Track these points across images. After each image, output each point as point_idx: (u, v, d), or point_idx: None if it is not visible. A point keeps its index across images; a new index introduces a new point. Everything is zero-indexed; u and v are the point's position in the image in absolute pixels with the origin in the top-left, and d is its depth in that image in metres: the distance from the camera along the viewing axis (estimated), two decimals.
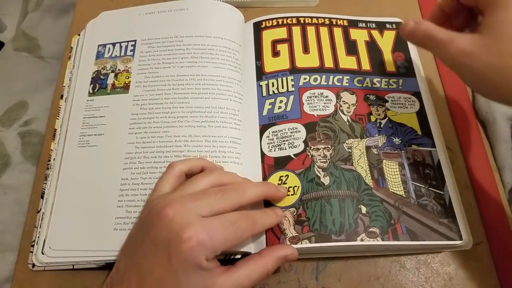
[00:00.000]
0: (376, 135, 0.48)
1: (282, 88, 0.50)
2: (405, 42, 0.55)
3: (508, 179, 0.48)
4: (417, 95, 0.51)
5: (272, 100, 0.50)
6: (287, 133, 0.47)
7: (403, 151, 0.46)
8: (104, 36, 0.55)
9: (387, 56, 0.54)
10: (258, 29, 0.55)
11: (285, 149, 0.46)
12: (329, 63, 0.52)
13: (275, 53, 0.53)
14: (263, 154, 0.47)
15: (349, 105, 0.49)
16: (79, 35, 0.56)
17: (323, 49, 0.54)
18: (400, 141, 0.47)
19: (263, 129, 0.48)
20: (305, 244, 0.40)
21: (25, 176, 0.50)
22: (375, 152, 0.46)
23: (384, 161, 0.46)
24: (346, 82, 0.51)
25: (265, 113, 0.49)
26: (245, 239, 0.37)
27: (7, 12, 0.68)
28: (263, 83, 0.51)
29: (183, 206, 0.35)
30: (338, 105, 0.49)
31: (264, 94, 0.51)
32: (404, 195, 0.44)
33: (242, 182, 0.41)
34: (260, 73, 0.52)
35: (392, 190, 0.44)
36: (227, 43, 0.52)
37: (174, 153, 0.46)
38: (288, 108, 0.49)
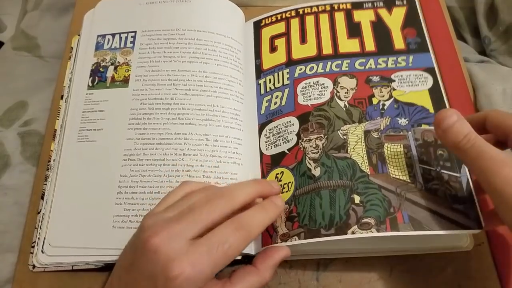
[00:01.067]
0: (378, 117, 0.44)
1: (278, 82, 0.49)
2: (417, 17, 0.51)
3: None
4: (431, 70, 0.47)
5: (269, 97, 0.49)
6: (281, 128, 0.46)
7: (410, 132, 0.43)
8: (104, 26, 0.54)
9: (396, 33, 0.50)
10: (258, 27, 0.55)
11: (280, 145, 0.45)
12: (327, 49, 0.50)
13: (273, 49, 0.52)
14: (261, 153, 0.46)
15: (347, 90, 0.47)
16: (79, 35, 0.56)
17: (322, 36, 0.51)
18: (407, 122, 0.43)
19: (261, 127, 0.47)
20: (295, 241, 0.39)
21: (25, 176, 0.50)
22: (375, 136, 0.43)
23: (386, 144, 0.42)
24: (346, 67, 0.48)
25: (263, 111, 0.48)
26: (240, 252, 0.34)
27: (7, 12, 0.68)
28: (262, 81, 0.50)
29: (168, 232, 0.32)
30: (335, 91, 0.47)
31: (262, 92, 0.50)
32: (408, 180, 0.40)
33: (230, 185, 0.39)
34: (259, 72, 0.51)
35: (394, 175, 0.41)
36: (230, 41, 0.52)
37: (174, 151, 0.45)
38: (283, 103, 0.47)
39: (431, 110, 0.44)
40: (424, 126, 0.43)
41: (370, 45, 0.50)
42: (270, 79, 0.50)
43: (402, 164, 0.41)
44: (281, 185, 0.43)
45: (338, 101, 0.46)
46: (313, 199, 0.40)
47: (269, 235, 0.40)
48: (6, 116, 0.54)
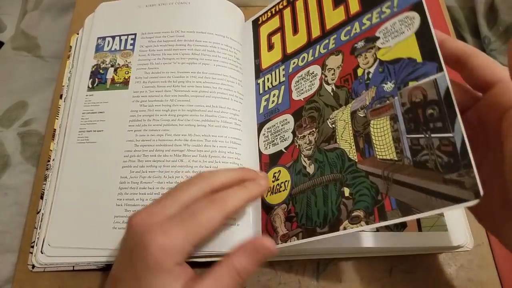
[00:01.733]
0: (364, 91, 0.39)
1: (275, 81, 0.49)
2: None
3: None
4: (417, 6, 0.38)
5: (267, 96, 0.49)
6: (278, 127, 0.46)
7: (396, 97, 0.36)
8: (104, 29, 0.55)
9: None
10: (256, 26, 0.54)
11: (278, 144, 0.45)
12: (316, 31, 0.47)
13: (270, 47, 0.51)
14: (260, 153, 0.46)
15: (334, 71, 0.44)
16: (78, 34, 0.56)
17: (311, 17, 0.48)
18: (393, 85, 0.37)
19: (260, 127, 0.47)
20: (294, 241, 0.38)
21: (25, 176, 0.50)
22: (361, 115, 0.39)
23: (372, 122, 0.38)
24: (333, 44, 0.45)
25: (261, 110, 0.48)
26: (217, 225, 0.34)
27: (6, 12, 0.68)
28: (260, 81, 0.50)
29: (148, 211, 0.34)
30: (323, 76, 0.44)
31: (261, 91, 0.49)
32: (396, 158, 0.35)
33: (215, 170, 0.39)
34: (258, 71, 0.51)
35: (381, 156, 0.36)
36: (229, 42, 0.52)
37: (174, 152, 0.45)
38: (280, 101, 0.47)
39: (419, 59, 0.36)
40: (411, 84, 0.36)
41: (354, 6, 0.44)
42: (268, 78, 0.50)
43: (388, 141, 0.36)
44: (278, 184, 0.43)
45: (326, 86, 0.44)
46: (309, 197, 0.40)
47: (270, 236, 0.40)
48: (6, 116, 0.54)
